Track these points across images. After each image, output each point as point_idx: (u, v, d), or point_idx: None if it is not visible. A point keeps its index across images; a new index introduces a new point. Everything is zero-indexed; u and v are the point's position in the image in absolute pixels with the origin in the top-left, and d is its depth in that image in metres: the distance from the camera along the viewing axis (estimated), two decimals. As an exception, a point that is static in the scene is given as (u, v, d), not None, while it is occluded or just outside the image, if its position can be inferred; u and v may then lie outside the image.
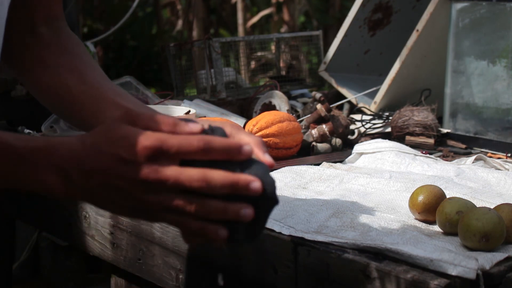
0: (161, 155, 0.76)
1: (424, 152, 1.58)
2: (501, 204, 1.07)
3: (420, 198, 1.12)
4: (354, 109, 1.99)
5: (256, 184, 0.77)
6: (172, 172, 0.76)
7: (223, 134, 0.82)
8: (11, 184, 0.82)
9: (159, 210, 0.78)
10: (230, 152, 0.78)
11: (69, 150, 0.79)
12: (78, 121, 1.10)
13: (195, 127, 0.79)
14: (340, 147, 1.63)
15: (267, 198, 0.79)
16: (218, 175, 0.76)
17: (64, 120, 1.13)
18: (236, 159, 0.78)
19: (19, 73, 1.12)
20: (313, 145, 1.61)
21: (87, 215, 1.41)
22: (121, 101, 1.05)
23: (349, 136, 1.69)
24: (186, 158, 0.77)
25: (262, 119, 1.53)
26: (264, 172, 0.79)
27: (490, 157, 1.56)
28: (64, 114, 1.12)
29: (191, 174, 0.76)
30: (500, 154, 1.62)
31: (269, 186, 0.79)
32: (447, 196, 1.14)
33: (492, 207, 1.06)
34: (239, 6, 6.31)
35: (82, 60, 1.10)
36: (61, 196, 0.81)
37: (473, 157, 1.49)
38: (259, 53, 2.56)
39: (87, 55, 1.12)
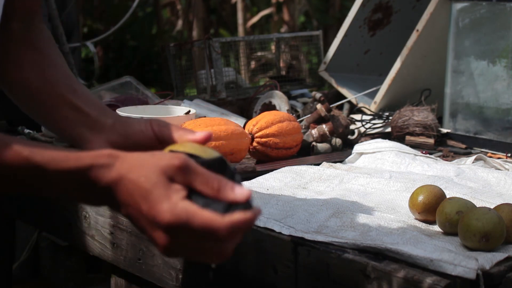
0: (181, 231, 0.76)
1: (424, 152, 1.58)
2: (501, 204, 1.07)
3: (420, 198, 1.12)
4: (354, 109, 1.99)
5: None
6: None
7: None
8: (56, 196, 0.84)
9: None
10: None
11: (100, 178, 0.79)
12: (39, 118, 1.10)
13: (241, 195, 0.78)
14: (340, 147, 1.63)
15: None
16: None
17: (29, 116, 1.13)
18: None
19: None
20: (313, 145, 1.61)
21: (87, 215, 1.41)
22: (73, 99, 1.04)
23: (349, 136, 1.69)
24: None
25: (262, 119, 1.53)
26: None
27: (490, 157, 1.56)
28: (28, 110, 1.11)
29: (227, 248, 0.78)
30: (500, 154, 1.62)
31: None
32: (447, 196, 1.14)
33: (492, 207, 1.06)
34: (239, 6, 6.31)
35: (46, 56, 1.09)
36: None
37: (473, 157, 1.49)
38: (259, 53, 2.56)
39: (55, 52, 1.12)
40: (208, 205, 0.77)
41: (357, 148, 1.53)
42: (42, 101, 1.06)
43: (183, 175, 0.78)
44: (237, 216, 0.75)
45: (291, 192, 1.26)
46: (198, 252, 0.78)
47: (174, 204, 0.76)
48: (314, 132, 1.64)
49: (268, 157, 1.52)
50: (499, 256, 0.96)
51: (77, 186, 0.80)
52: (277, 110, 1.82)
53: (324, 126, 1.64)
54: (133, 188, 0.78)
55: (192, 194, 0.78)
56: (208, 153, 0.85)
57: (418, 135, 1.69)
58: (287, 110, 1.82)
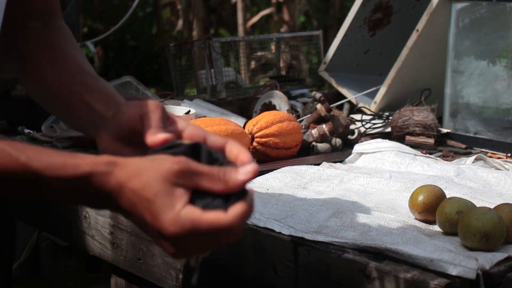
0: (188, 237, 0.76)
1: (424, 152, 1.58)
2: (501, 204, 1.07)
3: (420, 198, 1.12)
4: (354, 109, 1.99)
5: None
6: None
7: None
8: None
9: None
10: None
11: (100, 186, 0.78)
12: (63, 118, 1.10)
13: (248, 173, 0.78)
14: (340, 147, 1.63)
15: None
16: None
17: (53, 114, 1.13)
18: None
19: (13, 68, 1.12)
20: (313, 145, 1.61)
21: (87, 215, 1.41)
22: (84, 94, 1.01)
23: (349, 136, 1.69)
24: None
25: (262, 119, 1.53)
26: None
27: (490, 157, 1.56)
28: (52, 111, 1.11)
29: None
30: (500, 154, 1.62)
31: None
32: (447, 196, 1.14)
33: (492, 207, 1.06)
34: (239, 6, 6.31)
35: (61, 53, 1.08)
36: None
37: (473, 157, 1.49)
38: (259, 53, 2.56)
39: (71, 47, 1.10)
40: (209, 204, 0.76)
41: (357, 148, 1.53)
42: (61, 102, 1.05)
43: (186, 179, 0.76)
44: (239, 207, 0.76)
45: (291, 192, 1.26)
46: (208, 247, 0.78)
47: (177, 214, 0.75)
48: (314, 132, 1.64)
49: (268, 157, 1.52)
50: (499, 256, 0.96)
51: (76, 192, 0.79)
52: (277, 110, 1.82)
53: (324, 126, 1.64)
54: (134, 198, 0.76)
55: (193, 195, 0.77)
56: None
57: (418, 135, 1.69)
58: (287, 110, 1.82)
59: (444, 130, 1.74)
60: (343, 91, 2.08)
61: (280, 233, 1.07)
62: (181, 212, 0.75)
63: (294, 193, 1.25)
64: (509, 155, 1.59)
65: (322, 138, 1.64)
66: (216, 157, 0.81)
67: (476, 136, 1.70)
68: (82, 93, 1.02)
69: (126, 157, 0.80)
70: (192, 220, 0.75)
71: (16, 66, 1.11)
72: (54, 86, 1.05)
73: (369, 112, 1.92)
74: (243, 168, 0.78)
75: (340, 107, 2.04)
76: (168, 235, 0.75)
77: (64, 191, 0.79)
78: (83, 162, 0.78)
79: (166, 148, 0.82)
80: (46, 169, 0.78)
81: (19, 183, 0.79)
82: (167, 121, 0.91)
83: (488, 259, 0.94)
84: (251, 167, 0.78)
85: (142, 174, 0.77)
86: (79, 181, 0.78)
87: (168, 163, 0.77)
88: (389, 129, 1.78)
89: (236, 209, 0.76)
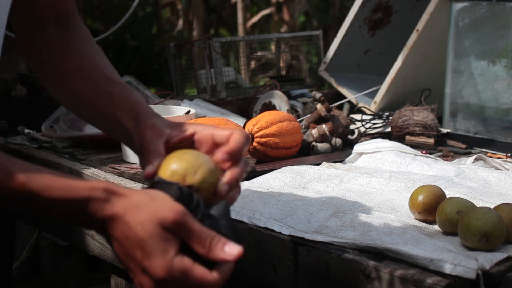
0: (172, 285, 0.78)
1: (424, 152, 1.58)
2: (501, 204, 1.07)
3: (420, 198, 1.12)
4: (354, 109, 1.99)
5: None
6: None
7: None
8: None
9: None
10: None
11: (95, 212, 0.80)
12: (96, 125, 1.09)
13: (230, 255, 0.80)
14: (340, 147, 1.63)
15: None
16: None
17: (89, 123, 1.13)
18: None
19: (38, 75, 1.11)
20: (313, 145, 1.61)
21: (87, 215, 1.41)
22: (111, 108, 1.01)
23: (349, 136, 1.69)
24: None
25: (262, 119, 1.53)
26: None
27: (490, 157, 1.56)
28: (79, 115, 1.11)
29: None
30: (500, 154, 1.62)
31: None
32: (447, 196, 1.14)
33: (492, 207, 1.06)
34: (239, 6, 6.31)
35: (85, 61, 1.07)
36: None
37: (473, 157, 1.49)
38: (259, 53, 2.56)
39: (92, 51, 1.09)
40: (196, 258, 0.79)
41: (357, 148, 1.53)
42: (92, 111, 1.04)
43: (178, 230, 0.79)
44: (227, 269, 0.80)
45: (291, 192, 1.26)
46: None
47: (170, 260, 0.77)
48: (314, 132, 1.64)
49: (268, 157, 1.52)
50: (499, 256, 0.96)
51: (70, 214, 0.81)
52: (277, 110, 1.82)
53: (324, 126, 1.64)
54: (128, 232, 0.78)
55: (183, 245, 0.80)
56: (189, 178, 0.85)
57: (418, 135, 1.69)
58: (287, 110, 1.82)
59: (444, 130, 1.74)
60: (343, 91, 2.09)
61: (280, 233, 1.07)
62: (173, 260, 0.77)
63: (294, 193, 1.25)
64: (509, 155, 1.59)
65: (322, 138, 1.64)
66: (209, 214, 0.82)
67: (476, 136, 1.70)
68: (108, 105, 1.01)
69: (124, 188, 0.82)
70: (183, 270, 0.77)
71: (41, 75, 1.09)
72: (82, 96, 1.04)
73: (369, 112, 1.92)
74: (230, 247, 0.80)
75: (340, 107, 2.04)
76: (155, 277, 0.77)
77: (59, 211, 0.81)
78: (80, 186, 0.80)
79: (158, 182, 0.84)
80: (44, 190, 0.79)
81: (17, 200, 0.80)
82: (176, 129, 0.94)
83: (488, 259, 0.94)
84: (237, 250, 0.80)
85: (140, 211, 0.79)
86: (75, 204, 0.79)
87: (166, 208, 0.79)
88: (389, 129, 1.78)
89: (225, 271, 0.80)
